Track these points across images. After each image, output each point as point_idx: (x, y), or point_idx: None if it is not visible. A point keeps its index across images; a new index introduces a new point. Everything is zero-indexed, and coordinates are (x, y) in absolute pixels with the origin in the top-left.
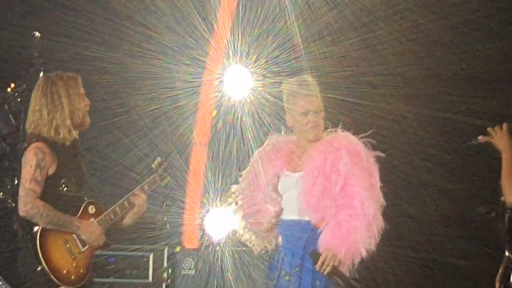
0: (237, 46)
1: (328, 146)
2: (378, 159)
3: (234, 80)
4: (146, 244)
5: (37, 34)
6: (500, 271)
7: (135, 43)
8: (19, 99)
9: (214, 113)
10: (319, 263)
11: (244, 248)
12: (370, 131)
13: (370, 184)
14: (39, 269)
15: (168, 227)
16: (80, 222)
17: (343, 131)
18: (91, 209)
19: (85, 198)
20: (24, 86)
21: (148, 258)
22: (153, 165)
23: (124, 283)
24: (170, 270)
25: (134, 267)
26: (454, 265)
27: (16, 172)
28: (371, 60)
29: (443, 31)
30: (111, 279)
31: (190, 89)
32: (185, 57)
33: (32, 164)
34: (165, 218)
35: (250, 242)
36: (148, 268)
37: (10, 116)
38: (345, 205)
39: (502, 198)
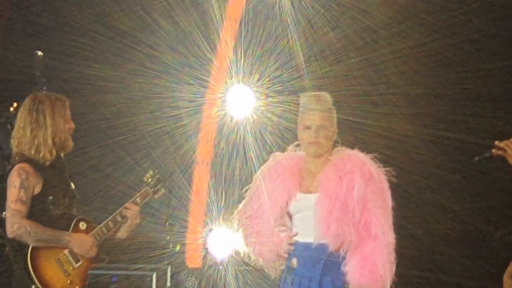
0: (240, 65)
1: (341, 166)
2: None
3: (236, 99)
4: (149, 264)
5: (39, 53)
6: None
7: (138, 62)
8: None
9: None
10: None
11: (247, 267)
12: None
13: (386, 206)
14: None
15: (171, 246)
16: (69, 236)
17: (352, 150)
18: (82, 226)
19: (76, 215)
20: None
21: (151, 277)
22: (144, 178)
23: None
24: None
25: (137, 287)
26: (458, 284)
27: None
28: (374, 79)
29: (446, 50)
30: None
31: (193, 108)
32: (187, 77)
33: (16, 185)
34: (168, 238)
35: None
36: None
37: None
38: (366, 235)
39: None
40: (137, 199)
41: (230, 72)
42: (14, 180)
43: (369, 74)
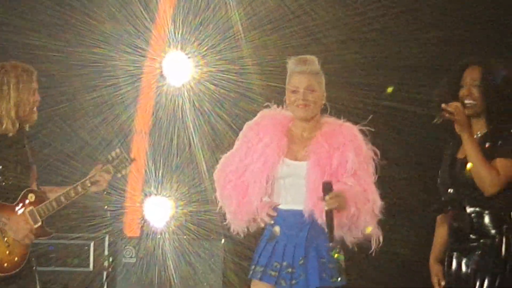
0: (178, 34)
1: (333, 138)
2: None
3: (174, 68)
4: (87, 233)
5: None
6: None
7: (76, 31)
8: None
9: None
10: (329, 195)
11: (185, 236)
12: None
13: (372, 178)
14: None
15: (109, 215)
16: (7, 218)
17: (345, 121)
18: (31, 197)
19: (25, 187)
20: None
21: (89, 246)
22: (109, 156)
23: (64, 272)
24: (111, 259)
25: (75, 256)
26: (396, 254)
27: None
28: (313, 49)
29: (386, 19)
30: (51, 268)
31: (131, 77)
32: (126, 46)
33: None
34: (106, 207)
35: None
36: (89, 257)
37: None
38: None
39: (450, 190)
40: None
41: (169, 41)
42: None
43: (308, 43)
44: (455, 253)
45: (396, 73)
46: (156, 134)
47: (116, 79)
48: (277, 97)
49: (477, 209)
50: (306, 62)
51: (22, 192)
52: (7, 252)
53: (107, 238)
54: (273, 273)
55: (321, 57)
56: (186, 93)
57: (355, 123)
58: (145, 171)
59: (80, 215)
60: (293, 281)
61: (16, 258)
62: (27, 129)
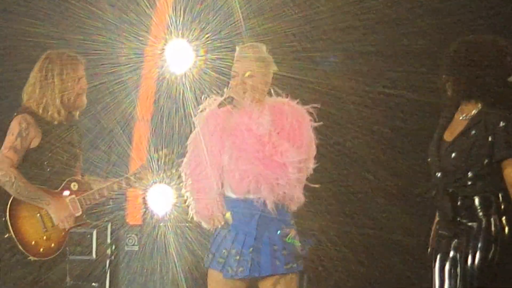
0: (179, 21)
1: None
2: (322, 135)
3: (176, 56)
4: (89, 220)
5: None
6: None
7: (77, 18)
8: None
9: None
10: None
11: (187, 224)
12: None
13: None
14: (6, 236)
15: (111, 203)
16: (51, 199)
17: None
18: (74, 186)
19: (70, 175)
20: None
21: (91, 234)
22: (156, 155)
23: (67, 260)
24: (113, 247)
25: (78, 244)
26: (398, 241)
27: None
28: (313, 36)
29: (385, 6)
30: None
31: (132, 64)
32: (127, 33)
33: (14, 133)
34: None
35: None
36: (91, 245)
37: None
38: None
39: (438, 174)
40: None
41: (170, 28)
42: (13, 128)
43: (308, 30)
44: (444, 236)
45: (397, 60)
46: (158, 121)
47: (117, 67)
48: (278, 84)
49: (464, 193)
50: (249, 48)
51: (66, 180)
52: (45, 237)
53: (109, 226)
54: (220, 260)
55: (322, 45)
56: (187, 80)
57: (356, 110)
58: (147, 159)
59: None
60: (240, 269)
61: (53, 244)
62: (76, 117)
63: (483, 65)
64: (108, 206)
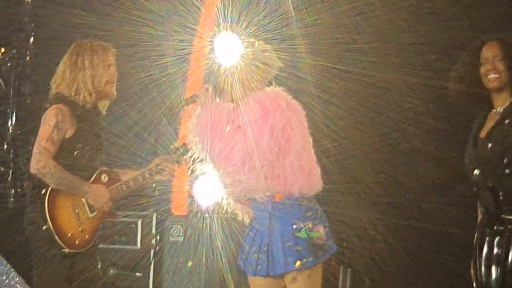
0: (227, 13)
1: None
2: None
3: (224, 48)
4: (135, 211)
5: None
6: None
7: (126, 10)
8: (9, 64)
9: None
10: None
11: (232, 215)
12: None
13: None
14: (44, 227)
15: (157, 193)
16: (89, 187)
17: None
18: (104, 178)
19: (99, 167)
20: (14, 51)
21: (136, 224)
22: (172, 146)
23: (113, 249)
24: (158, 237)
25: (123, 234)
26: (446, 233)
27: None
28: (362, 28)
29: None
30: (100, 246)
31: (180, 56)
32: (175, 25)
33: (51, 124)
34: (154, 185)
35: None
36: (136, 235)
37: (0, 80)
38: None
39: (476, 172)
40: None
41: (218, 20)
42: (50, 119)
43: (357, 22)
44: (486, 234)
45: (446, 52)
46: None
47: (165, 58)
48: (326, 75)
49: (504, 187)
50: (246, 44)
51: (97, 172)
52: (80, 229)
53: (154, 216)
54: (243, 256)
55: (371, 36)
56: (235, 72)
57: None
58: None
59: (129, 193)
60: (259, 267)
61: (87, 236)
62: (103, 111)
63: None
64: (154, 197)
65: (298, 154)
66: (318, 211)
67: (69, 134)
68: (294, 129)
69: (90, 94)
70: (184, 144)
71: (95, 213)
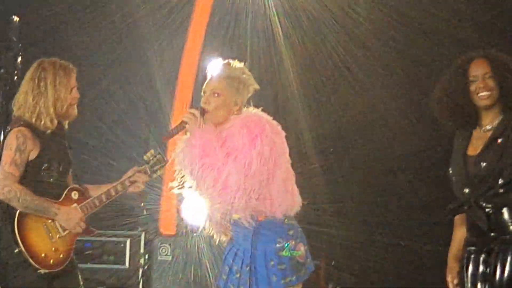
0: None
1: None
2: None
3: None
4: (123, 230)
5: (15, 18)
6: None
7: (114, 29)
8: None
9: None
10: None
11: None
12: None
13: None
14: (16, 251)
15: (145, 213)
16: (58, 208)
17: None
18: (74, 195)
19: (69, 184)
20: (2, 70)
21: (125, 244)
22: (145, 157)
23: (101, 269)
24: (146, 256)
25: (111, 253)
26: (434, 251)
27: None
28: (350, 47)
29: (424, 18)
30: (88, 265)
31: (168, 76)
32: (163, 45)
33: (13, 148)
34: (142, 204)
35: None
36: (125, 254)
37: None
38: None
39: (466, 190)
40: (147, 169)
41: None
42: (11, 142)
43: (345, 41)
44: (473, 252)
45: (436, 71)
46: None
47: (153, 78)
48: (316, 97)
49: (495, 206)
50: (224, 66)
51: (67, 190)
52: (53, 248)
53: (143, 236)
54: (224, 276)
55: (361, 57)
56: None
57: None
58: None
59: (117, 213)
60: (241, 287)
61: (61, 255)
62: (66, 126)
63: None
64: (142, 216)
65: (284, 175)
66: (298, 230)
67: (33, 155)
68: (278, 151)
69: (51, 120)
70: (156, 154)
71: (67, 231)
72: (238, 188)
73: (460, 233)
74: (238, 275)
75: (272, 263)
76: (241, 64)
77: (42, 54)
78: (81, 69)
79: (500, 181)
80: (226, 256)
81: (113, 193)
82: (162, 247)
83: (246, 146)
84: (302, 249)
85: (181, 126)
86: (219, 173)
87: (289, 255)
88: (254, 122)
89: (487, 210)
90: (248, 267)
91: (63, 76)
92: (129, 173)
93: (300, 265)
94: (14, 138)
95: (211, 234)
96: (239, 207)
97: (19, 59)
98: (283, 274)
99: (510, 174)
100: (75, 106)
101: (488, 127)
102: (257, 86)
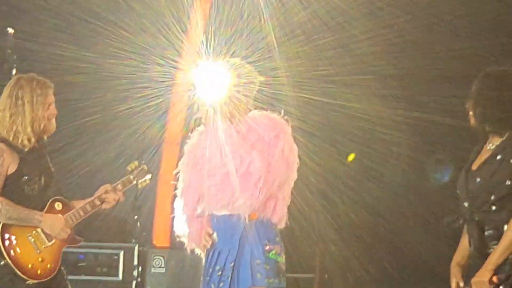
0: (210, 45)
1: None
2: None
3: (207, 80)
4: (117, 242)
5: (10, 30)
6: None
7: (109, 43)
8: None
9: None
10: None
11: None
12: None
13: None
14: (2, 263)
15: (139, 225)
16: (41, 216)
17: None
18: (58, 206)
19: (51, 196)
20: None
21: (118, 256)
22: (128, 167)
23: (94, 281)
24: (140, 268)
25: (104, 265)
26: (430, 265)
27: None
28: (345, 60)
29: (417, 31)
30: (81, 277)
31: (163, 88)
32: (158, 57)
33: None
34: (136, 217)
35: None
36: (118, 266)
37: None
38: None
39: (465, 204)
40: (118, 185)
41: (201, 52)
42: None
43: (340, 54)
44: (475, 263)
45: (428, 84)
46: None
47: (148, 91)
48: (309, 107)
49: (490, 221)
50: (226, 63)
51: (50, 201)
52: (40, 259)
53: (136, 248)
54: (207, 278)
55: (353, 69)
56: (217, 104)
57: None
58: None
59: (110, 225)
60: (221, 284)
61: (48, 265)
62: (45, 139)
63: (507, 97)
64: (136, 229)
65: (291, 185)
66: (282, 240)
67: (12, 169)
68: (294, 157)
69: (29, 139)
70: (139, 166)
71: (53, 241)
72: (260, 177)
73: (464, 243)
74: (220, 273)
75: (258, 261)
76: (240, 60)
77: (36, 67)
78: (76, 81)
79: (493, 198)
80: (208, 258)
81: (98, 203)
82: (156, 259)
83: (271, 142)
84: (283, 259)
85: (198, 121)
86: (242, 160)
87: (275, 258)
88: (274, 121)
89: (481, 225)
90: (233, 263)
91: (40, 94)
92: (100, 191)
93: (282, 272)
94: None
95: (192, 248)
96: (259, 198)
97: (14, 71)
98: (267, 273)
99: (502, 189)
100: (53, 120)
101: (493, 145)
102: (262, 78)
